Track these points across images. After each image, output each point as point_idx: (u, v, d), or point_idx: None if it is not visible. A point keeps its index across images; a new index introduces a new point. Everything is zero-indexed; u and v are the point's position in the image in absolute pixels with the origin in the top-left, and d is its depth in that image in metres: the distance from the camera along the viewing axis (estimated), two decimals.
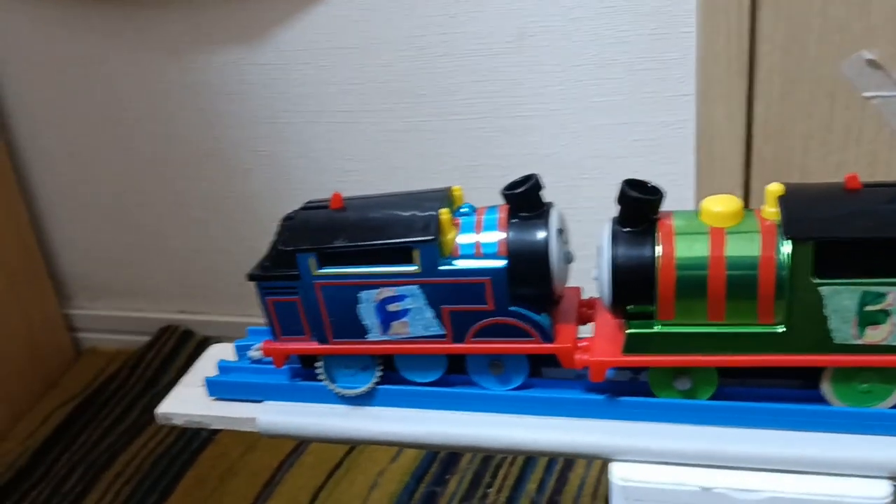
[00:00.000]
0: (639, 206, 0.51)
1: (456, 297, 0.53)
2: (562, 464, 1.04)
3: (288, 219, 0.58)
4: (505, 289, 0.52)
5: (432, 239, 0.52)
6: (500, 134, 1.07)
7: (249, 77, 1.17)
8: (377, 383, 0.58)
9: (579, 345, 0.54)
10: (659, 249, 0.50)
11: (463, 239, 0.54)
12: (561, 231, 0.54)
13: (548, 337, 0.53)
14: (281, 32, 1.12)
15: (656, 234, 0.50)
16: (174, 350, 1.37)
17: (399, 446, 0.60)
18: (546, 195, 0.54)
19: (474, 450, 0.58)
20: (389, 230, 0.53)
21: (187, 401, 0.64)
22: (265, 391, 0.62)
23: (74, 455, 1.19)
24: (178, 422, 0.64)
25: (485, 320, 0.53)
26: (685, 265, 0.49)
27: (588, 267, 0.53)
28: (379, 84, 1.11)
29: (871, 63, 0.89)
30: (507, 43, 1.03)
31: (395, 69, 1.09)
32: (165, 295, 1.42)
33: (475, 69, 1.05)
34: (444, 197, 0.56)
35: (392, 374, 0.59)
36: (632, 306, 0.51)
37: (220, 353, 0.69)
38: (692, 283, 0.49)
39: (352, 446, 1.12)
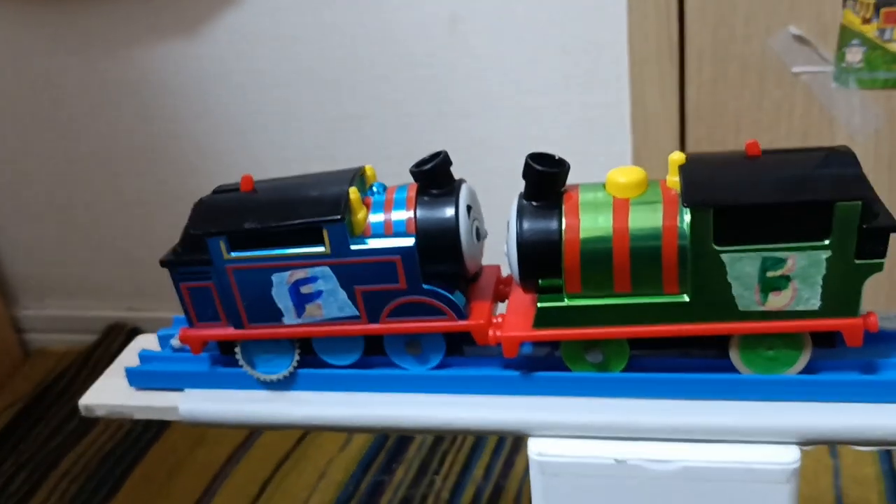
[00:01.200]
0: (544, 180, 0.50)
1: (368, 277, 0.53)
2: (509, 448, 1.05)
3: (199, 203, 0.57)
4: (416, 267, 0.52)
5: (340, 218, 0.51)
6: (438, 119, 1.07)
7: (186, 70, 1.16)
8: (296, 367, 0.58)
9: (494, 321, 0.54)
10: (564, 222, 0.50)
11: (373, 218, 0.53)
12: (470, 208, 0.53)
13: (461, 314, 0.53)
14: (215, 24, 1.12)
15: (562, 208, 0.50)
16: (121, 348, 1.34)
17: (321, 430, 0.60)
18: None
19: (394, 430, 0.57)
20: (298, 210, 0.53)
21: (109, 391, 0.63)
22: (185, 379, 0.61)
23: (21, 456, 1.17)
24: (100, 413, 0.63)
25: (398, 300, 0.53)
26: (589, 238, 0.49)
27: None
28: (315, 73, 1.10)
29: (798, 39, 0.90)
30: (441, 27, 1.03)
31: (329, 57, 1.09)
32: (113, 293, 1.41)
33: (410, 55, 1.05)
34: (355, 176, 0.55)
35: (312, 358, 0.58)
36: (541, 280, 0.51)
37: (144, 344, 0.68)
38: (597, 256, 0.49)
39: (301, 436, 1.11)
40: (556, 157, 0.51)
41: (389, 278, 0.53)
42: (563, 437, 0.54)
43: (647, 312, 0.50)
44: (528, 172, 0.51)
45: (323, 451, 1.08)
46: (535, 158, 0.51)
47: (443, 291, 0.53)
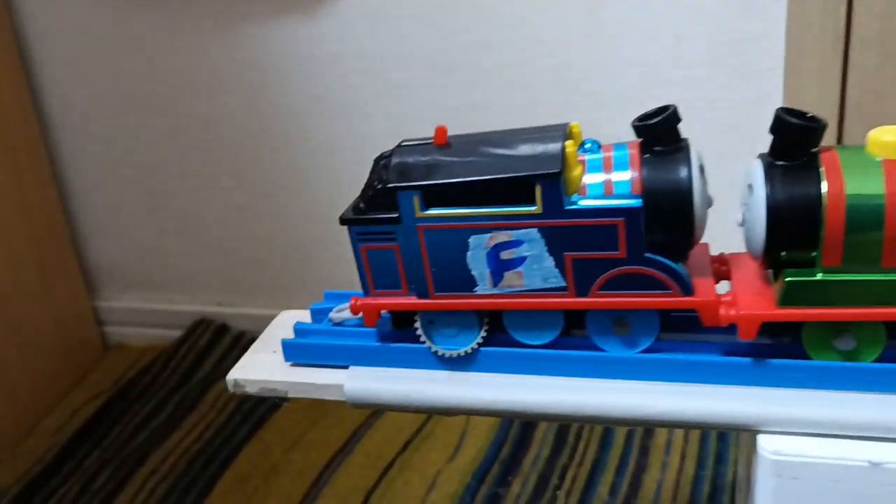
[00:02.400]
0: (799, 135, 0.44)
1: (582, 243, 0.46)
2: (633, 467, 0.97)
3: (382, 157, 0.51)
4: (640, 233, 0.45)
5: (558, 172, 0.45)
6: (571, 111, 1.00)
7: (299, 51, 1.11)
8: (480, 344, 0.51)
9: (724, 299, 0.47)
10: (825, 185, 0.43)
11: (590, 178, 0.47)
12: (702, 169, 0.46)
13: (688, 289, 0.46)
14: (333, 2, 1.06)
15: (820, 169, 0.43)
16: (209, 345, 1.30)
17: (509, 416, 0.53)
18: None
19: (599, 421, 0.50)
20: (506, 164, 0.46)
21: (261, 366, 0.57)
22: (350, 355, 0.54)
23: (105, 452, 1.11)
24: (251, 389, 0.56)
25: (614, 270, 0.46)
26: (858, 203, 0.42)
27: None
28: (440, 57, 1.04)
29: None
30: (578, 13, 0.97)
31: (453, 41, 1.03)
32: (200, 286, 1.35)
33: (544, 42, 0.99)
34: (565, 132, 0.49)
35: (497, 337, 0.52)
36: (787, 253, 0.44)
37: (292, 319, 0.62)
38: (866, 224, 0.42)
39: (405, 444, 1.04)
40: (809, 114, 0.45)
41: (607, 244, 0.46)
42: (802, 435, 0.47)
43: None
44: (779, 127, 0.44)
45: (429, 461, 1.01)
46: (787, 112, 0.44)
47: (669, 262, 0.46)
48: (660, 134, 0.46)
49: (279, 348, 0.57)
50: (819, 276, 0.44)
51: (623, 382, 0.49)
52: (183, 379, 1.24)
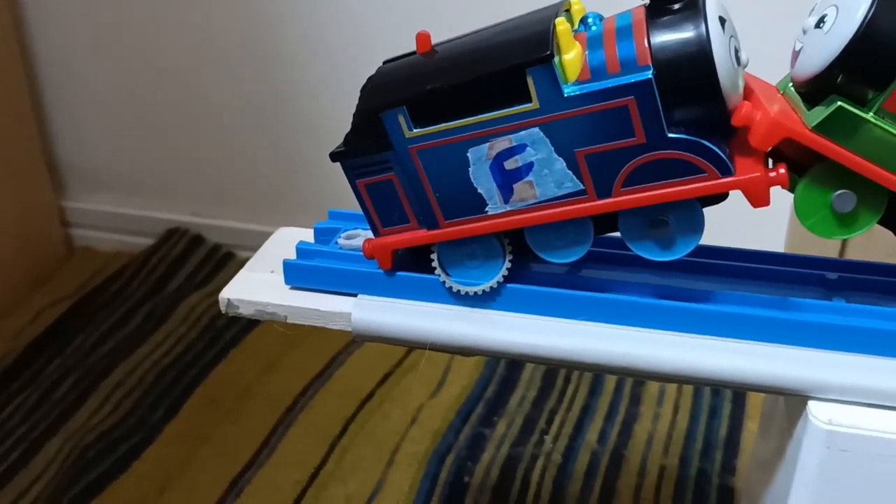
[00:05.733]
0: None
1: (592, 134, 0.39)
2: (623, 415, 0.93)
3: (368, 81, 0.45)
4: (657, 109, 0.38)
5: (548, 55, 0.38)
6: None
7: None
8: (505, 277, 0.45)
9: (773, 174, 0.39)
10: None
11: (591, 58, 0.39)
12: (723, 21, 0.39)
13: (725, 168, 0.39)
14: None
15: None
16: (182, 255, 1.23)
17: (534, 362, 0.48)
18: None
19: (640, 375, 0.45)
20: (491, 58, 0.40)
21: (256, 287, 0.51)
22: (360, 282, 0.49)
23: (68, 359, 1.05)
24: (246, 311, 0.50)
25: (636, 159, 0.39)
26: None
27: None
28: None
29: None
30: None
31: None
32: (176, 194, 1.28)
33: None
34: (558, 10, 0.42)
35: (526, 264, 0.46)
36: (850, 79, 0.38)
37: (292, 237, 0.55)
38: None
39: (384, 376, 1.00)
40: None
41: (621, 131, 0.39)
42: (857, 405, 0.42)
43: None
44: None
45: (412, 395, 0.96)
46: None
47: (697, 139, 0.39)
48: None
49: (277, 268, 0.51)
50: (870, 116, 0.38)
51: (660, 333, 0.45)
52: (153, 289, 1.18)
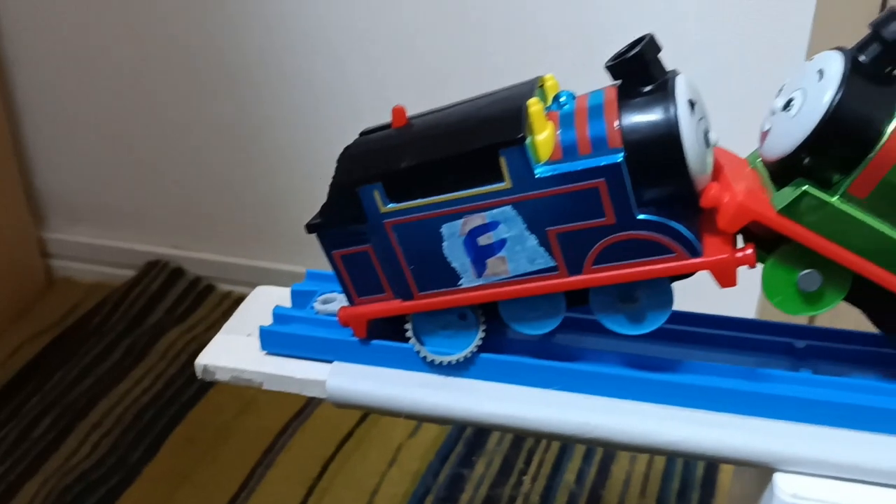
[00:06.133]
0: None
1: (563, 214, 0.40)
2: (601, 455, 0.94)
3: (345, 150, 0.46)
4: (626, 192, 0.39)
5: (520, 138, 0.39)
6: (579, 74, 0.94)
7: None
8: (479, 347, 0.46)
9: (739, 254, 0.40)
10: None
11: (563, 137, 0.40)
12: (693, 103, 0.40)
13: (693, 249, 0.40)
14: None
15: None
16: (162, 288, 1.23)
17: (509, 431, 0.48)
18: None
19: (606, 444, 0.46)
20: (465, 137, 0.41)
21: (233, 352, 0.51)
22: (336, 350, 0.49)
23: (47, 396, 1.05)
24: (222, 377, 0.51)
25: (606, 239, 0.40)
26: None
27: None
28: (440, 2, 0.97)
29: None
30: None
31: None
32: (157, 226, 1.28)
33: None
34: (533, 88, 0.42)
35: (499, 336, 0.47)
36: (816, 162, 0.39)
37: (270, 297, 0.56)
38: None
39: (363, 416, 1.00)
40: None
41: (592, 211, 0.40)
42: (824, 478, 0.43)
43: None
44: (885, 23, 0.38)
45: (390, 435, 0.97)
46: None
47: (665, 220, 0.39)
48: (636, 70, 0.40)
49: (254, 331, 0.52)
50: (835, 200, 0.39)
51: (629, 403, 0.45)
52: (133, 324, 1.18)
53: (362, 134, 0.46)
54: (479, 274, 0.43)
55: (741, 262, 0.40)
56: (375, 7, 1.00)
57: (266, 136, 1.15)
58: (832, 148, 0.39)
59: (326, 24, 1.04)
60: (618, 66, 0.40)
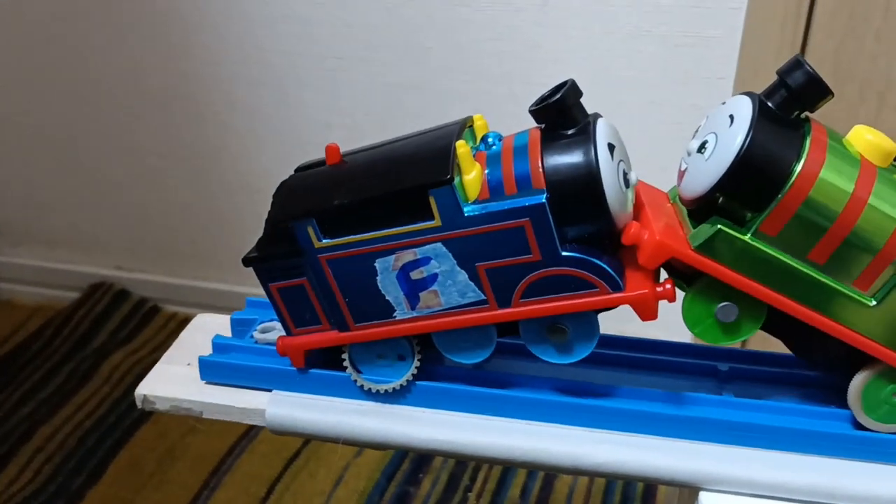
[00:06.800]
0: (808, 89, 0.40)
1: (491, 251, 0.42)
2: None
3: (280, 186, 0.47)
4: (550, 230, 0.41)
5: (448, 179, 0.41)
6: (510, 101, 0.97)
7: (227, 6, 1.03)
8: (414, 375, 0.47)
9: (659, 289, 0.41)
10: (806, 153, 0.40)
11: (490, 176, 0.42)
12: (612, 147, 0.42)
13: (615, 284, 0.42)
14: None
15: (809, 136, 0.40)
16: (107, 311, 1.22)
17: (443, 456, 0.49)
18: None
19: (535, 467, 0.47)
20: (396, 177, 0.42)
21: (174, 381, 0.52)
22: (274, 379, 0.50)
23: None
24: (161, 407, 0.51)
25: (532, 274, 0.42)
26: (827, 185, 0.40)
27: None
28: (380, 31, 0.98)
29: None
30: None
31: (399, 14, 0.97)
32: (100, 247, 1.27)
33: (491, 25, 0.94)
34: (462, 129, 0.44)
35: (435, 364, 0.48)
36: (729, 202, 0.41)
37: (210, 325, 0.56)
38: (821, 208, 0.40)
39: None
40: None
41: (518, 248, 0.42)
42: (746, 496, 0.45)
43: (821, 295, 0.41)
44: (792, 72, 0.40)
45: (337, 454, 0.97)
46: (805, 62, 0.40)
47: (588, 257, 0.41)
48: (560, 114, 0.42)
49: (193, 360, 0.52)
50: (748, 238, 0.41)
51: (561, 428, 0.47)
52: (76, 346, 1.17)
53: (297, 170, 0.47)
54: (413, 306, 0.44)
55: (661, 296, 0.42)
56: (331, 40, 1.02)
57: (211, 159, 1.15)
58: (744, 188, 0.40)
59: (272, 53, 1.05)
60: (541, 110, 0.42)
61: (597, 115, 0.43)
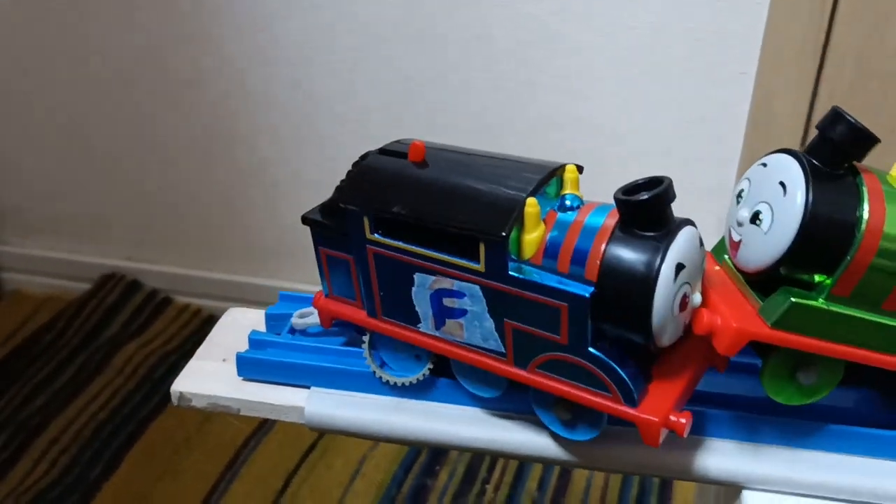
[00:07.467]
0: (852, 140, 0.39)
1: (523, 315, 0.41)
2: None
3: (357, 162, 0.46)
4: (585, 324, 0.39)
5: (503, 237, 0.39)
6: (529, 91, 0.96)
7: None
8: (426, 375, 0.47)
9: (672, 419, 0.40)
10: (867, 206, 0.38)
11: (551, 241, 0.41)
12: (682, 267, 0.39)
13: (630, 398, 0.40)
14: None
15: (863, 188, 0.39)
16: (118, 301, 1.21)
17: (482, 453, 0.49)
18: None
19: (573, 465, 0.47)
20: (457, 210, 0.41)
21: (209, 378, 0.52)
22: (312, 375, 0.50)
23: (0, 414, 1.03)
24: (198, 404, 0.51)
25: (554, 353, 0.41)
26: (893, 239, 0.38)
27: None
28: (395, 22, 0.98)
29: None
30: None
31: (415, 4, 0.96)
32: (112, 238, 1.26)
33: (510, 14, 0.94)
34: (546, 177, 0.42)
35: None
36: (794, 271, 0.40)
37: (243, 320, 0.56)
38: (891, 264, 0.39)
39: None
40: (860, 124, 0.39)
41: (550, 326, 0.40)
42: (789, 495, 0.45)
43: None
44: (834, 125, 0.38)
45: (354, 445, 0.97)
46: (845, 112, 0.39)
47: (612, 363, 0.40)
48: (642, 212, 0.39)
49: (228, 356, 0.52)
50: (822, 304, 0.40)
51: None
52: (88, 338, 1.16)
53: (381, 151, 0.46)
54: (438, 327, 0.44)
55: (670, 426, 0.40)
56: (345, 33, 1.01)
57: (226, 148, 1.14)
58: (812, 257, 0.39)
59: (286, 44, 1.04)
60: (624, 203, 0.39)
61: (682, 225, 0.40)
